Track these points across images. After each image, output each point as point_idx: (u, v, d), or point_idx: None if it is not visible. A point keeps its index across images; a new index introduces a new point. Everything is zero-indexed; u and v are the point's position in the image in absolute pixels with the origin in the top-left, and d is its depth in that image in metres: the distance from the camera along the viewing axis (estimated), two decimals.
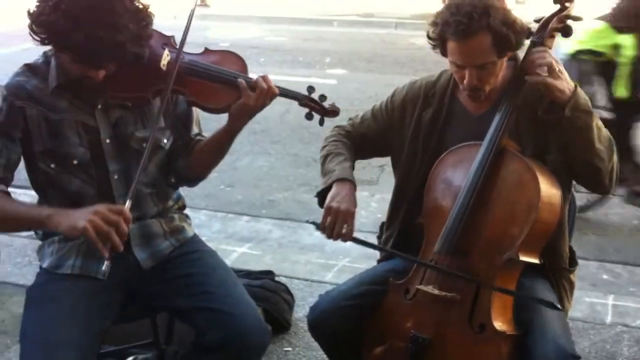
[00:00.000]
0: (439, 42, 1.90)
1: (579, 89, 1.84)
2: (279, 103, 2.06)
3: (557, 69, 1.81)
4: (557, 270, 2.01)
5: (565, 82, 1.82)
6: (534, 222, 1.80)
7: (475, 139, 1.92)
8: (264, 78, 1.90)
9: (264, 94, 1.89)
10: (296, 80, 6.60)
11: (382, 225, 2.23)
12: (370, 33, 10.48)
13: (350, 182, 2.02)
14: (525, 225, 1.80)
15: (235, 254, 3.59)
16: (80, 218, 1.68)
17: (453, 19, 1.82)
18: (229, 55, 2.00)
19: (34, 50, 1.91)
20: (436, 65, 1.94)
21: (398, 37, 9.94)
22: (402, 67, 7.90)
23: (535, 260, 1.86)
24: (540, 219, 1.81)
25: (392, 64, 8.16)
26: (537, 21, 1.95)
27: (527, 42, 1.91)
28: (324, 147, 2.17)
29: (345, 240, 1.95)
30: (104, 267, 1.68)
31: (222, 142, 2.01)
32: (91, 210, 1.69)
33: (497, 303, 1.83)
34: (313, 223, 1.97)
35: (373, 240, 2.22)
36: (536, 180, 1.81)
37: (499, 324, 1.81)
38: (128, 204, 1.73)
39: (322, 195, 2.03)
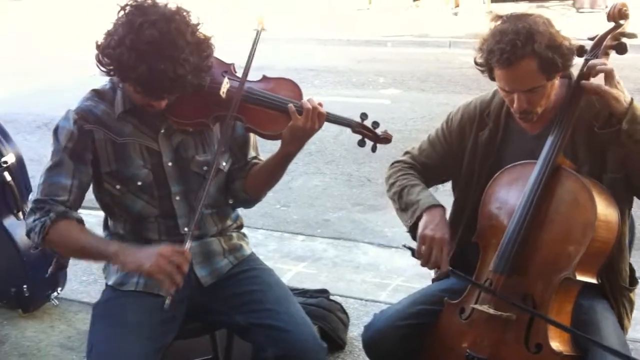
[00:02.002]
0: (486, 68, 1.91)
1: (635, 102, 1.82)
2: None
3: (615, 77, 1.80)
4: (617, 289, 1.97)
5: (622, 92, 1.80)
6: (590, 241, 1.78)
7: (533, 158, 1.91)
8: (309, 100, 1.94)
9: (310, 115, 1.92)
10: (350, 101, 6.67)
11: None
12: (424, 53, 10.45)
13: (441, 207, 2.02)
14: (581, 245, 1.79)
15: (291, 272, 3.63)
16: (146, 259, 1.78)
17: (497, 47, 1.82)
18: (285, 82, 2.04)
19: (99, 78, 2.01)
20: (489, 83, 1.95)
21: (452, 56, 9.88)
22: (456, 86, 7.85)
23: (593, 280, 1.83)
24: (598, 238, 1.79)
25: (446, 83, 8.12)
26: (591, 39, 1.94)
27: (581, 60, 1.91)
28: (393, 183, 2.15)
29: (443, 271, 1.96)
30: (167, 303, 1.78)
31: (277, 166, 2.05)
32: (156, 252, 1.79)
33: None
34: (409, 248, 1.98)
35: None
36: (592, 199, 1.80)
37: (556, 344, 1.79)
38: (188, 244, 1.81)
39: (412, 229, 2.03)
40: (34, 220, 1.93)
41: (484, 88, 2.09)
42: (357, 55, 10.37)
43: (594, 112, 1.90)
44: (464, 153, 2.10)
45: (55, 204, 1.93)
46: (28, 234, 1.96)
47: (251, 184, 2.10)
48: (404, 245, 2.01)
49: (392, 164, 2.23)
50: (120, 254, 1.85)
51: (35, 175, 2.99)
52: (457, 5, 14.34)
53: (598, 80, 1.83)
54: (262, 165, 2.09)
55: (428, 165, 2.18)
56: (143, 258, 1.80)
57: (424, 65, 9.32)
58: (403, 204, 2.09)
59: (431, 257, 1.94)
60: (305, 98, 1.98)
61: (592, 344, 1.79)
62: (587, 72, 1.86)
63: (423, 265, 1.97)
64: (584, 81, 1.84)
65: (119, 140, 1.97)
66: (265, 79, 2.06)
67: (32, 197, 1.98)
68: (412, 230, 2.03)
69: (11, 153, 3.02)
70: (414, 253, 1.97)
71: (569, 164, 1.89)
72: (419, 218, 2.01)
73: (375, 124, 2.03)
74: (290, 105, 1.94)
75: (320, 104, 1.95)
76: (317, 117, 1.94)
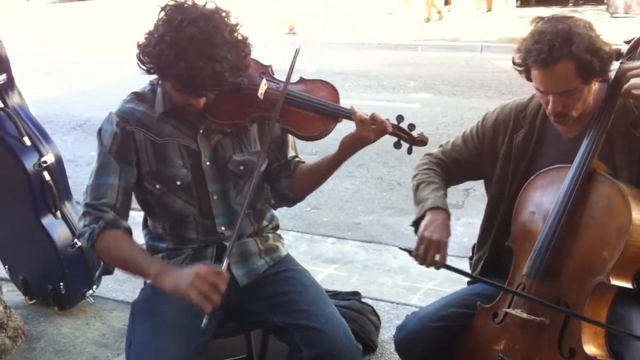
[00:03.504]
0: (523, 68, 1.91)
1: None
2: None
3: None
4: None
5: None
6: (625, 245, 1.77)
7: (568, 162, 1.90)
8: (376, 114, 1.95)
9: (377, 126, 1.93)
10: (380, 105, 6.67)
11: (474, 247, 2.24)
12: (455, 57, 10.41)
13: (444, 211, 2.04)
14: (616, 249, 1.78)
15: (322, 274, 3.65)
16: (184, 280, 1.78)
17: (535, 47, 1.82)
18: (322, 84, 2.06)
19: (130, 80, 2.04)
20: (522, 88, 1.96)
21: (484, 61, 9.83)
22: (488, 91, 7.81)
23: (628, 285, 1.82)
24: (633, 243, 1.78)
25: (478, 87, 8.09)
26: (627, 42, 1.93)
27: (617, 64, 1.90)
28: (415, 175, 2.19)
29: (437, 268, 1.98)
30: (204, 322, 1.75)
31: (328, 168, 2.07)
32: (193, 272, 1.78)
33: (588, 327, 1.80)
34: (406, 250, 2.00)
35: (463, 263, 2.22)
36: (627, 204, 1.78)
37: (590, 349, 1.78)
38: (225, 263, 1.81)
39: (417, 224, 2.06)
40: (84, 226, 1.97)
41: (517, 92, 2.10)
42: (388, 59, 10.37)
43: (632, 117, 1.88)
44: (494, 155, 2.10)
45: (106, 211, 1.97)
46: (79, 237, 2.02)
47: (300, 184, 2.12)
48: (400, 247, 2.04)
49: (424, 155, 2.25)
50: (160, 275, 1.86)
51: (72, 175, 3.05)
52: (490, 10, 14.25)
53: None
54: (312, 167, 2.11)
55: (458, 160, 2.19)
56: (180, 278, 1.80)
57: (455, 70, 9.29)
58: (417, 199, 2.12)
59: (427, 257, 1.96)
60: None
61: (630, 339, 1.78)
62: (620, 76, 1.85)
63: (420, 264, 1.99)
64: (625, 85, 1.82)
65: (159, 140, 2.02)
66: (302, 80, 2.08)
67: (82, 199, 2.02)
68: (416, 226, 2.06)
69: (50, 153, 3.08)
70: (412, 254, 1.99)
71: (604, 168, 1.88)
72: (422, 217, 2.03)
73: (412, 126, 2.04)
74: (358, 113, 1.95)
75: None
76: (381, 132, 1.95)
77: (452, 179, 2.20)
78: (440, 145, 2.26)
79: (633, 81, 1.80)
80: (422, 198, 2.09)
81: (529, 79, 1.93)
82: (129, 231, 2.01)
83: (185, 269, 1.84)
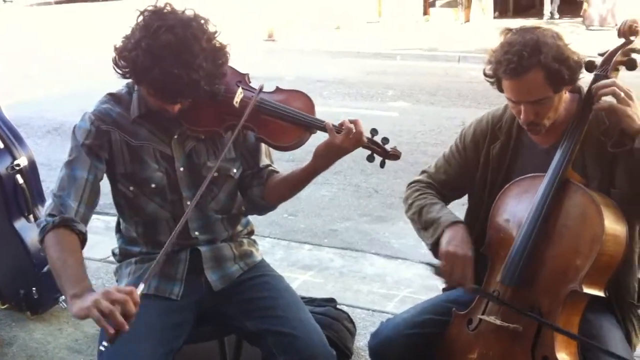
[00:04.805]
0: (494, 79, 1.93)
1: None
2: None
3: (622, 95, 1.80)
4: (625, 304, 1.98)
5: (636, 110, 1.81)
6: (598, 254, 1.79)
7: (543, 171, 1.91)
8: (354, 121, 1.92)
9: (350, 135, 1.91)
10: (358, 113, 6.68)
11: None
12: (433, 66, 10.50)
13: (462, 224, 2.03)
14: (589, 258, 1.79)
15: (298, 281, 3.65)
16: (89, 299, 1.62)
17: (504, 57, 1.84)
18: (298, 94, 2.06)
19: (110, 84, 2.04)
20: (498, 98, 1.96)
21: (461, 71, 9.93)
22: (465, 100, 7.88)
23: (600, 293, 1.84)
24: (605, 252, 1.80)
25: (455, 96, 8.16)
26: (601, 54, 1.96)
27: (591, 76, 1.93)
28: (410, 204, 2.16)
29: (466, 290, 1.95)
30: (102, 348, 1.61)
31: (303, 179, 2.05)
32: (101, 291, 1.63)
33: (561, 336, 1.81)
34: (430, 265, 1.99)
35: None
36: (600, 214, 1.81)
37: (562, 357, 1.80)
38: (142, 287, 1.66)
39: (434, 246, 2.03)
40: (46, 216, 1.90)
41: (493, 102, 2.12)
42: (366, 67, 10.42)
43: (603, 128, 1.91)
44: (478, 167, 2.12)
45: (69, 206, 1.92)
46: (38, 226, 1.92)
47: (271, 192, 2.11)
48: (426, 263, 2.01)
49: (409, 184, 2.24)
50: (75, 296, 1.68)
51: (46, 179, 3.02)
52: (468, 20, 14.40)
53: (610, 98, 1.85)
54: (287, 176, 2.09)
55: (445, 182, 2.19)
56: (88, 298, 1.62)
57: (433, 79, 9.36)
58: (423, 223, 2.09)
59: (453, 274, 1.94)
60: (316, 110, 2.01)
61: (600, 352, 1.80)
62: (593, 93, 1.87)
63: (446, 283, 1.97)
64: (594, 105, 1.85)
65: (134, 142, 2.01)
66: (278, 90, 2.08)
67: (51, 190, 1.98)
68: (434, 248, 2.03)
69: (24, 156, 3.05)
70: (437, 271, 1.97)
71: (578, 178, 1.90)
72: (440, 236, 2.01)
73: (385, 140, 2.03)
74: (328, 122, 1.95)
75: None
76: (356, 142, 1.93)
77: (445, 199, 2.19)
78: (423, 171, 2.25)
79: (603, 100, 1.84)
80: (432, 219, 2.06)
81: (500, 90, 1.94)
82: (82, 236, 1.88)
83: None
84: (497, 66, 1.88)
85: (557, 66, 1.82)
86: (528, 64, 1.81)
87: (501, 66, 1.86)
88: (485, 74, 1.96)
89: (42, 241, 1.88)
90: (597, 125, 1.92)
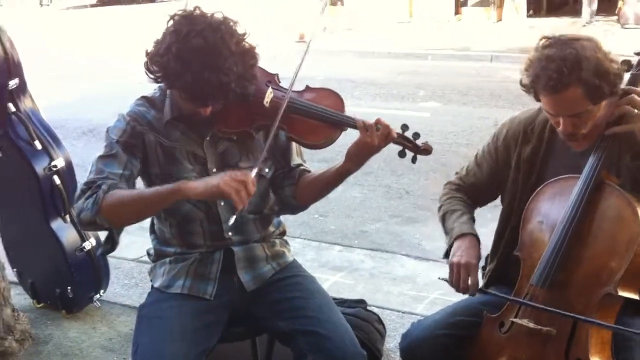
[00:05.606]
0: (532, 91, 1.90)
1: None
2: None
3: None
4: None
5: None
6: (634, 256, 1.76)
7: (577, 173, 1.89)
8: (380, 120, 1.95)
9: (381, 133, 1.93)
10: (389, 114, 6.68)
11: (487, 257, 2.24)
12: (465, 66, 10.40)
13: (470, 235, 2.06)
14: (624, 260, 1.77)
15: (328, 282, 3.65)
16: (215, 180, 1.83)
17: (543, 72, 1.81)
18: (327, 92, 2.08)
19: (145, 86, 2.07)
20: (531, 99, 1.95)
21: (493, 70, 9.82)
22: (498, 100, 7.80)
23: (635, 296, 1.81)
24: None
25: (487, 97, 8.08)
26: (637, 54, 1.93)
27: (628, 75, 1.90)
28: (439, 207, 2.22)
29: (472, 294, 1.99)
30: (231, 221, 1.86)
31: (335, 179, 2.06)
32: (220, 174, 1.85)
33: (595, 338, 1.79)
34: (445, 280, 2.02)
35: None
36: (636, 215, 1.78)
37: (597, 359, 1.78)
38: (254, 171, 1.86)
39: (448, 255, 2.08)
40: (86, 199, 1.92)
41: (526, 102, 2.09)
42: (397, 67, 10.38)
43: (635, 139, 1.87)
44: (510, 169, 2.10)
45: (106, 180, 1.93)
46: (79, 216, 1.94)
47: (303, 192, 2.12)
48: (440, 278, 2.05)
49: (445, 185, 2.28)
50: (183, 184, 1.87)
51: (81, 180, 3.07)
52: (500, 19, 14.25)
53: None
54: (318, 176, 2.10)
55: (476, 185, 2.19)
56: (210, 180, 1.85)
57: (465, 79, 9.28)
58: (445, 230, 2.16)
59: (459, 282, 1.98)
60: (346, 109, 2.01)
61: (636, 347, 1.78)
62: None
63: (457, 291, 2.01)
64: (606, 131, 1.86)
65: (167, 143, 2.03)
66: (308, 89, 2.09)
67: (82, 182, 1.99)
68: (447, 257, 2.08)
69: (61, 157, 3.10)
70: (450, 283, 2.01)
71: (613, 179, 1.88)
72: (451, 246, 2.05)
73: (416, 135, 2.04)
74: (361, 121, 1.96)
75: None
76: (386, 137, 1.95)
77: (476, 202, 2.21)
78: (456, 173, 2.28)
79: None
80: (448, 228, 2.12)
81: (537, 100, 1.92)
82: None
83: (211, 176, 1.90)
84: (535, 79, 1.85)
85: (597, 82, 1.79)
86: (568, 80, 1.79)
87: (540, 80, 1.83)
88: (521, 84, 1.94)
89: (99, 213, 1.90)
90: (632, 133, 1.88)
